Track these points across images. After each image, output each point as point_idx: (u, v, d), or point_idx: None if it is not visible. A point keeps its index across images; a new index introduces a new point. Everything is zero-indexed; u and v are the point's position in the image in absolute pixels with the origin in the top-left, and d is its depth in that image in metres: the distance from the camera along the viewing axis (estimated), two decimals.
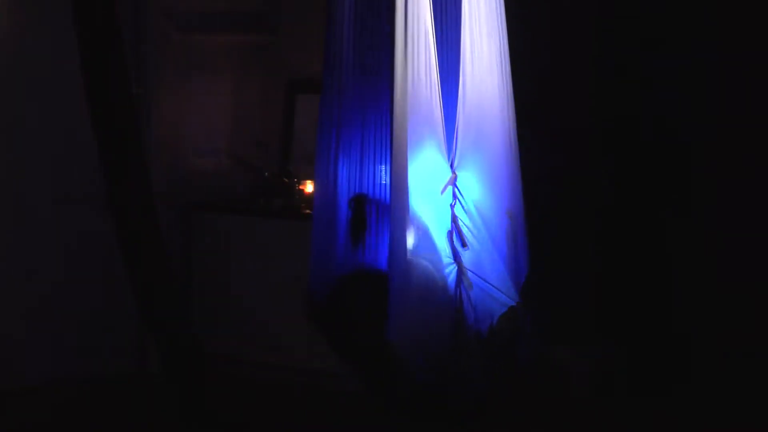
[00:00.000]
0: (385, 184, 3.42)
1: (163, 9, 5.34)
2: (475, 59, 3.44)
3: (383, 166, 3.45)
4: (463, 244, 3.39)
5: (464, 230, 3.40)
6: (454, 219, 3.39)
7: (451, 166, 3.40)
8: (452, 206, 3.38)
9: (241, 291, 5.34)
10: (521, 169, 3.55)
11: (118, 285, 4.67)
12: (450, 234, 3.38)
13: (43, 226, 5.07)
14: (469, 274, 3.38)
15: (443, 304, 3.35)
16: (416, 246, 3.33)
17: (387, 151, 3.39)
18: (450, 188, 3.39)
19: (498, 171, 3.48)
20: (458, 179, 3.39)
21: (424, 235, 3.34)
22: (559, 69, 5.10)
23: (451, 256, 3.36)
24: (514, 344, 3.49)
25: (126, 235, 4.01)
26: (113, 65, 3.89)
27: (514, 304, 3.42)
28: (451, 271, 3.36)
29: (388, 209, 3.36)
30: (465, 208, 3.41)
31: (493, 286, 3.42)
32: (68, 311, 5.14)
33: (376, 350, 3.32)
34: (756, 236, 4.78)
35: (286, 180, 5.47)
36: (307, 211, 5.06)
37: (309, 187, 5.36)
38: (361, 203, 3.47)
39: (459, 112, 3.41)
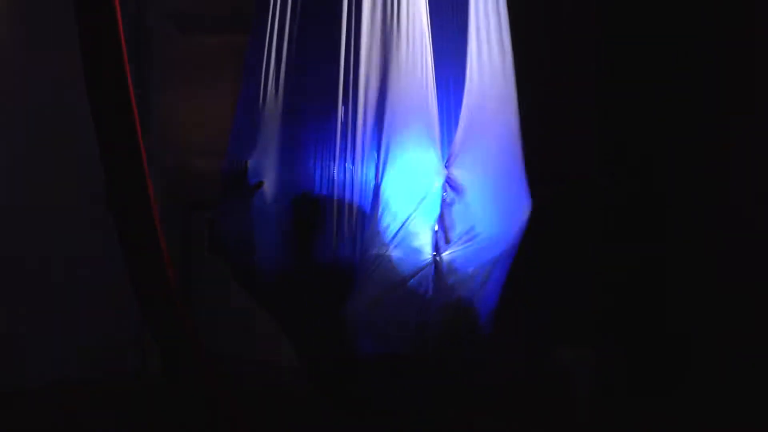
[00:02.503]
0: (341, 181, 3.41)
1: (165, 9, 5.35)
2: (483, 63, 3.44)
3: (347, 162, 3.43)
4: (446, 241, 3.40)
5: (450, 228, 3.41)
6: (442, 216, 3.40)
7: (446, 164, 3.40)
8: (441, 203, 3.38)
9: (241, 291, 5.33)
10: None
11: (119, 285, 4.67)
12: (434, 229, 3.39)
13: (44, 225, 5.08)
14: (445, 271, 3.39)
15: (409, 301, 3.36)
16: (392, 239, 3.34)
17: (348, 147, 3.38)
18: (441, 185, 3.39)
19: (502, 175, 3.50)
20: (451, 178, 3.39)
21: (403, 229, 3.35)
22: (559, 68, 5.10)
23: (432, 251, 3.37)
24: (464, 351, 3.51)
25: (126, 235, 4.01)
26: (114, 66, 3.89)
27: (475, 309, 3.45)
28: (427, 266, 3.37)
29: (343, 205, 3.37)
30: (454, 206, 3.41)
31: (464, 288, 3.44)
32: (69, 312, 5.14)
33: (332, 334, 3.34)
34: (756, 236, 4.78)
35: None
36: None
37: None
38: (311, 203, 3.46)
39: (463, 114, 3.41)
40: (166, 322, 4.12)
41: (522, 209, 3.59)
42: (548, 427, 4.53)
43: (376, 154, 3.34)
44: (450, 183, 3.39)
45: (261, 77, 3.59)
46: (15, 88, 4.97)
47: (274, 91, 3.57)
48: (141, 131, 4.05)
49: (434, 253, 3.37)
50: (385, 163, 3.32)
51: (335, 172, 3.42)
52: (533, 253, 4.81)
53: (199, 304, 5.41)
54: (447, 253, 3.39)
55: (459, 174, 3.40)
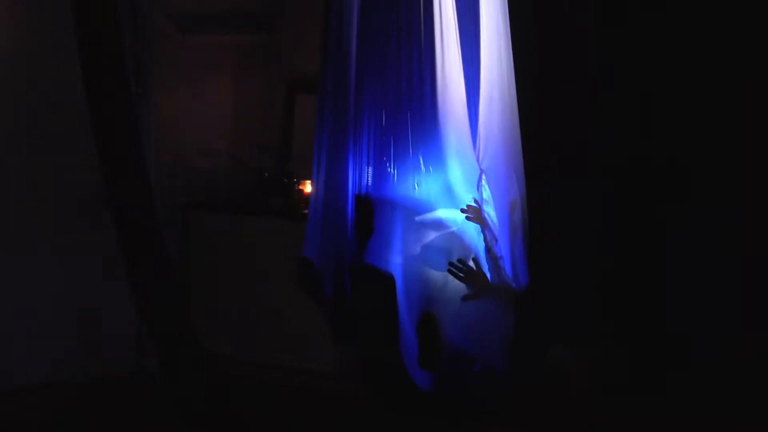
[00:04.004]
0: (396, 180, 3.43)
1: (163, 8, 5.35)
2: (486, 56, 3.47)
3: (393, 165, 3.45)
4: (494, 238, 3.43)
5: (492, 225, 3.45)
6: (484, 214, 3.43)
7: (478, 162, 3.43)
8: (481, 203, 3.41)
9: (240, 291, 5.33)
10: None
11: (117, 285, 4.67)
12: (481, 230, 3.43)
13: (42, 225, 5.07)
14: (497, 266, 3.44)
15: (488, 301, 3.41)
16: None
17: (399, 150, 3.41)
18: (479, 184, 3.43)
19: (512, 168, 3.53)
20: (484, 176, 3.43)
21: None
22: (559, 69, 5.11)
23: (485, 252, 3.41)
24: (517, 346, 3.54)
25: (125, 235, 4.01)
26: (112, 65, 3.89)
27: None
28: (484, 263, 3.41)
29: (399, 208, 3.39)
30: (490, 203, 3.45)
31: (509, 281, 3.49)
32: (67, 311, 5.14)
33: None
34: (754, 237, 4.79)
35: (286, 180, 5.47)
36: (306, 211, 5.05)
37: (308, 186, 5.36)
38: (367, 205, 3.48)
39: (481, 110, 3.44)
40: (164, 321, 4.13)
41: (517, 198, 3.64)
42: (548, 427, 4.52)
43: (421, 158, 3.38)
44: (482, 181, 3.44)
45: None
46: (12, 87, 4.97)
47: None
48: (140, 130, 4.06)
49: (487, 252, 3.41)
50: (428, 162, 3.36)
51: (384, 176, 3.45)
52: (531, 252, 4.82)
53: (198, 304, 5.41)
54: (498, 249, 3.45)
55: (486, 170, 3.45)
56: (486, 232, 3.42)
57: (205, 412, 4.18)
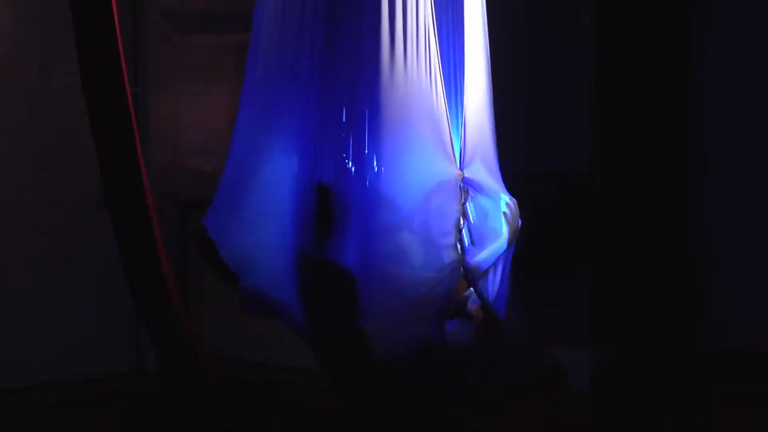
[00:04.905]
0: (353, 175, 3.39)
1: (162, 9, 5.35)
2: (472, 61, 3.46)
3: (349, 157, 3.41)
4: (472, 242, 3.40)
5: (474, 228, 3.42)
6: (465, 216, 3.39)
7: (461, 165, 3.40)
8: (464, 204, 3.38)
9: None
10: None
11: (116, 285, 4.67)
12: (458, 231, 3.39)
13: (42, 225, 5.08)
14: (473, 271, 3.40)
15: (431, 299, 3.35)
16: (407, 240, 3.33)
17: (357, 141, 3.37)
18: (460, 187, 3.39)
19: (495, 173, 3.51)
20: (468, 179, 3.40)
21: (417, 227, 3.35)
22: (560, 72, 5.11)
23: (459, 253, 3.37)
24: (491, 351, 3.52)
25: (123, 235, 4.00)
26: (111, 64, 3.88)
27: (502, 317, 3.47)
28: (450, 267, 3.36)
29: (353, 201, 3.35)
30: (475, 206, 3.42)
31: (489, 288, 3.45)
32: (66, 311, 5.14)
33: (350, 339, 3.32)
34: (752, 240, 4.79)
35: None
36: None
37: None
38: (326, 194, 3.43)
39: (466, 114, 3.41)
40: (163, 320, 4.12)
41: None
42: (548, 427, 4.52)
43: (375, 153, 3.33)
44: (468, 183, 3.40)
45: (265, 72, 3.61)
46: (10, 87, 4.98)
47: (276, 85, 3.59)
48: (138, 130, 4.05)
49: (462, 256, 3.37)
50: (386, 161, 3.32)
51: (339, 167, 3.41)
52: (531, 252, 4.83)
53: (197, 304, 5.40)
54: (476, 255, 3.40)
55: (473, 174, 3.42)
56: (463, 232, 3.38)
57: (204, 412, 4.17)
